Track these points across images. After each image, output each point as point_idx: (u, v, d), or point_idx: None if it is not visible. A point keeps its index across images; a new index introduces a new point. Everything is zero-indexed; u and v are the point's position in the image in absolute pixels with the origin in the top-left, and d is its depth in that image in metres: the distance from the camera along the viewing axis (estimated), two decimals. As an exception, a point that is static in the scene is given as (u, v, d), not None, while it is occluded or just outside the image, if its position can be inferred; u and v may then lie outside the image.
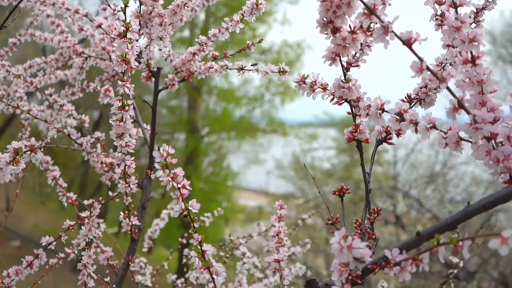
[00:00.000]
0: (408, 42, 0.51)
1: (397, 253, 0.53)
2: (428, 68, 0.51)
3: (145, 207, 1.03)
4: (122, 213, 0.98)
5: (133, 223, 0.98)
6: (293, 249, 1.40)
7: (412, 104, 0.70)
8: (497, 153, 0.51)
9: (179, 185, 0.63)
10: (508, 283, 5.80)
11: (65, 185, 1.13)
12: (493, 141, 0.53)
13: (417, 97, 0.69)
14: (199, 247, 0.66)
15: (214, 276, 0.65)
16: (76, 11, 1.11)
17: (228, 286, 1.37)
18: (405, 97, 0.70)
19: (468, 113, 0.52)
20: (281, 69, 0.84)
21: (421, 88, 0.69)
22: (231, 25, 0.90)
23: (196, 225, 0.67)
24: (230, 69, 0.98)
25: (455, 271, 1.12)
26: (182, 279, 1.43)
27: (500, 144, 0.52)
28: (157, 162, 0.62)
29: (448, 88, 0.52)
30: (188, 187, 0.64)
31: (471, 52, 0.54)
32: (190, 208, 0.64)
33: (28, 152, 0.66)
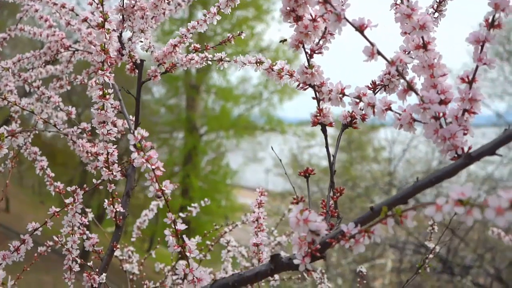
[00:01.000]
0: (360, 28, 0.55)
1: (352, 227, 0.56)
2: (378, 52, 0.54)
3: (130, 195, 1.07)
4: (106, 201, 1.01)
5: (118, 210, 1.02)
6: (279, 239, 1.43)
7: (377, 90, 0.73)
8: (444, 131, 0.55)
9: (153, 167, 0.66)
10: (503, 278, 5.84)
11: (52, 174, 1.16)
12: (442, 120, 0.56)
13: (381, 83, 0.73)
14: (173, 226, 0.69)
15: (188, 254, 0.69)
16: (63, 6, 1.14)
17: (216, 274, 1.41)
18: (370, 84, 0.73)
19: (417, 94, 0.55)
20: (258, 60, 0.87)
21: (385, 74, 0.73)
22: (208, 17, 0.94)
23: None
24: (210, 60, 1.01)
25: (431, 255, 1.15)
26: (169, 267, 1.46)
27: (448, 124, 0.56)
28: (132, 145, 0.65)
29: (398, 71, 0.55)
30: (162, 169, 0.67)
31: (422, 38, 0.58)
32: (163, 188, 0.67)
33: (9, 137, 0.70)
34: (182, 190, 10.02)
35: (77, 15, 1.14)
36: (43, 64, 1.24)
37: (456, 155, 0.55)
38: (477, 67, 0.56)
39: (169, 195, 0.69)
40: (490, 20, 0.56)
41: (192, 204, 1.39)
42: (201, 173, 11.54)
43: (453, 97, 0.57)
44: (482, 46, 0.56)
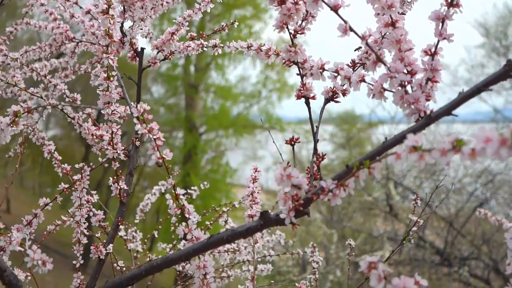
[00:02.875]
0: (335, 8, 0.63)
1: (330, 183, 0.64)
2: (351, 29, 0.62)
3: (132, 174, 1.15)
4: (111, 179, 1.09)
5: (122, 187, 1.10)
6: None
7: (356, 67, 0.81)
8: (408, 97, 0.63)
9: (155, 137, 0.74)
10: (500, 269, 5.92)
11: (60, 158, 1.24)
12: (409, 88, 0.64)
13: (360, 61, 0.80)
14: (173, 191, 0.77)
15: (187, 215, 0.77)
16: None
17: (215, 253, 1.48)
18: (350, 62, 0.81)
19: (385, 65, 0.63)
20: (249, 45, 0.95)
21: (363, 53, 0.80)
22: (203, 5, 1.02)
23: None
24: (205, 47, 1.09)
25: (414, 228, 1.23)
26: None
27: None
28: (135, 117, 0.73)
29: (367, 45, 0.63)
30: (162, 139, 0.75)
31: (390, 16, 0.65)
32: (164, 156, 0.75)
33: (26, 114, 0.77)
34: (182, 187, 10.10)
35: (80, 7, 1.22)
36: (49, 55, 1.31)
37: (419, 117, 0.62)
38: (438, 41, 0.64)
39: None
40: (449, 0, 0.63)
41: (192, 187, 1.46)
42: (201, 172, 11.60)
43: (419, 69, 0.65)
44: (443, 23, 0.64)
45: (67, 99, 1.23)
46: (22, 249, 0.75)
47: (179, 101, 12.41)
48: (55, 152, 1.24)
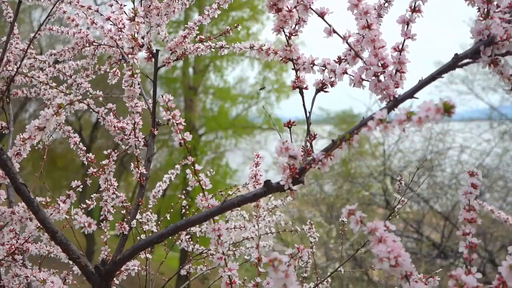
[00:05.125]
0: (321, 15, 0.79)
1: (320, 154, 0.80)
2: (334, 31, 0.78)
3: (150, 161, 1.31)
4: (132, 164, 1.25)
5: (141, 171, 1.26)
6: (275, 202, 1.67)
7: (342, 63, 0.97)
8: (381, 85, 0.79)
9: (177, 122, 0.90)
10: (495, 261, 6.09)
11: (84, 148, 1.40)
12: (381, 77, 0.80)
13: (345, 57, 0.97)
14: (193, 167, 0.93)
15: (204, 187, 0.93)
16: (89, 8, 1.38)
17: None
18: (337, 58, 0.97)
19: (362, 59, 0.80)
20: (251, 45, 1.11)
21: (347, 51, 0.96)
22: (211, 12, 1.18)
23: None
24: (213, 48, 1.25)
25: (399, 206, 1.39)
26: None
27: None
28: (161, 105, 0.89)
29: (348, 44, 0.79)
30: (183, 123, 0.91)
31: (366, 21, 0.82)
32: (185, 137, 0.91)
33: (68, 105, 0.93)
34: (182, 190, 10.26)
35: (101, 15, 1.38)
36: (72, 57, 1.47)
37: (389, 101, 0.79)
38: (404, 40, 0.80)
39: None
40: (412, 7, 0.80)
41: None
42: (201, 173, 11.70)
43: (389, 62, 0.81)
44: (408, 25, 0.80)
45: (90, 96, 1.39)
46: (68, 217, 0.91)
47: (178, 103, 12.55)
48: (80, 143, 1.40)
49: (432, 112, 0.56)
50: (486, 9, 0.71)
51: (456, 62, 0.73)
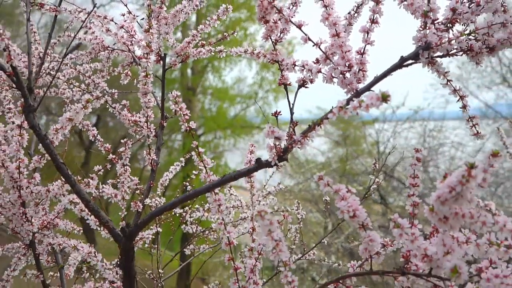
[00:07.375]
0: (299, 26, 1.00)
1: (299, 136, 1.01)
2: (309, 39, 1.00)
3: (160, 149, 1.52)
4: (144, 151, 1.46)
5: (153, 158, 1.47)
6: (269, 189, 1.89)
7: (318, 63, 1.18)
8: (346, 81, 1.00)
9: (184, 113, 1.11)
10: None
11: (102, 140, 1.61)
12: (347, 75, 1.02)
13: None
14: (197, 150, 1.14)
15: (206, 165, 1.14)
16: (105, 17, 1.59)
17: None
18: (315, 59, 1.19)
19: (331, 61, 1.01)
20: (246, 50, 1.32)
21: (321, 54, 1.18)
22: (212, 21, 1.39)
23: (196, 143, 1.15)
24: (213, 52, 1.47)
25: (374, 186, 1.60)
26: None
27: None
28: (170, 100, 1.10)
29: (320, 48, 1.01)
30: (189, 114, 1.12)
31: (335, 30, 1.03)
32: (190, 126, 1.12)
33: (95, 100, 1.14)
34: (183, 191, 10.44)
35: (115, 23, 1.59)
36: (90, 60, 1.69)
37: (353, 93, 1.00)
38: (365, 45, 1.01)
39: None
40: (372, 19, 1.01)
41: (194, 172, 1.84)
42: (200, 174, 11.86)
43: (354, 63, 1.03)
44: (368, 33, 1.01)
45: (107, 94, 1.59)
46: (97, 191, 1.12)
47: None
48: (98, 135, 1.61)
49: (374, 99, 0.77)
50: (424, 22, 0.93)
51: (402, 63, 0.94)
